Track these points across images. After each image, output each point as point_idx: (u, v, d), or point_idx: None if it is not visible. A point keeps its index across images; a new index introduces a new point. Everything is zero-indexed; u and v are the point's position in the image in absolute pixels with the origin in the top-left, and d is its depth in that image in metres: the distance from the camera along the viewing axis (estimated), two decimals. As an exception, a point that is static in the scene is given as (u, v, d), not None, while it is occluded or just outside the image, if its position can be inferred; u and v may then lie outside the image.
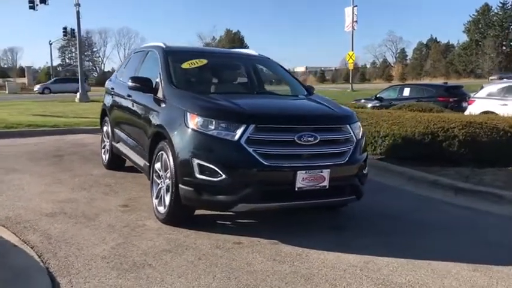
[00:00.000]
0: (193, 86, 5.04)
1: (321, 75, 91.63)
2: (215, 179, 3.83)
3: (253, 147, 3.82)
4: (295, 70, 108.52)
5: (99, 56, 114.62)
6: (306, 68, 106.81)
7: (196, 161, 3.88)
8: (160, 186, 4.39)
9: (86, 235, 4.00)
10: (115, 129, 6.21)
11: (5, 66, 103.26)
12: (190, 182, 3.91)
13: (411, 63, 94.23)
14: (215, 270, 3.35)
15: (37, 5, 31.30)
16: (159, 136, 4.42)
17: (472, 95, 14.48)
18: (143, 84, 4.80)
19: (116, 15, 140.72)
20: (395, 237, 4.27)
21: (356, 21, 40.83)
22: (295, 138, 3.94)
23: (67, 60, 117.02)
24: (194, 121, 3.97)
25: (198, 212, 4.40)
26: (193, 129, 3.95)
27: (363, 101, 17.67)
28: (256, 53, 6.03)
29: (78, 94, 25.57)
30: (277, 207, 4.10)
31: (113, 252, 3.63)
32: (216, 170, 3.82)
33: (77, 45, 28.37)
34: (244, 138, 3.83)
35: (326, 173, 4.01)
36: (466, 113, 11.79)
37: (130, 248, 3.72)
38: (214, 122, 3.92)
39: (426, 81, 60.18)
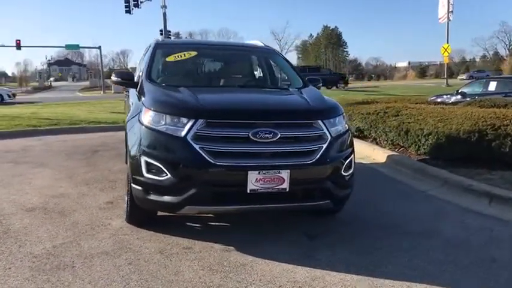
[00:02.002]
0: (172, 79, 4.77)
1: (420, 70, 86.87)
2: (161, 178, 3.55)
3: (200, 144, 3.47)
4: (396, 65, 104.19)
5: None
6: (409, 63, 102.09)
7: (143, 159, 3.62)
8: None
9: (43, 232, 3.93)
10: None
11: (117, 67, 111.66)
12: (140, 181, 3.66)
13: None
14: (133, 278, 3.08)
15: (132, 9, 33.37)
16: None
17: None
18: (124, 79, 4.65)
19: (216, 16, 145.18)
20: (371, 252, 3.67)
21: (452, 12, 37.66)
22: (250, 135, 3.52)
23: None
24: (146, 116, 3.72)
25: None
26: (144, 125, 3.70)
27: (445, 96, 16.18)
28: (261, 45, 5.63)
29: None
30: (228, 210, 3.72)
31: (50, 251, 3.50)
32: (161, 169, 3.54)
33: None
34: (191, 134, 3.50)
35: (285, 174, 3.54)
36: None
37: (70, 248, 3.58)
38: (165, 117, 3.63)
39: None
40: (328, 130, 3.79)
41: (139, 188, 3.66)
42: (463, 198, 5.22)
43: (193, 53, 4.99)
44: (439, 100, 13.96)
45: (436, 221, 4.46)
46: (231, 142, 3.53)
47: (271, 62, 5.49)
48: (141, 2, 31.12)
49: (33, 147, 8.59)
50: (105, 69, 58.65)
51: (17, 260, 3.35)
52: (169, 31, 38.50)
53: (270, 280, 3.12)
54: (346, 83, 40.40)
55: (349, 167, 3.98)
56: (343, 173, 3.89)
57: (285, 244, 3.75)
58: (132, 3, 31.80)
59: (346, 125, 4.11)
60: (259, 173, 3.49)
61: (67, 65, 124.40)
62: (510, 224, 4.37)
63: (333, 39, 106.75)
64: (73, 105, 21.32)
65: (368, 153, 7.91)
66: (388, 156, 7.22)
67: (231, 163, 3.48)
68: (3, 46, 46.29)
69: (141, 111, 3.82)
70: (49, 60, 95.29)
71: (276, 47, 33.12)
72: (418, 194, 5.49)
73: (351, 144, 4.12)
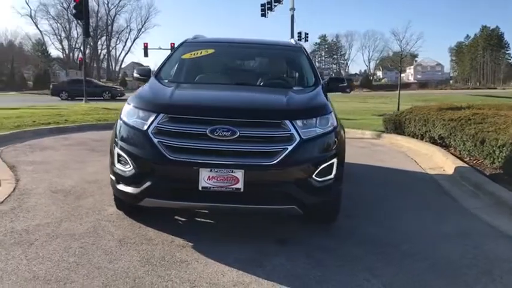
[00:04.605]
0: (180, 76, 4.86)
1: None
2: (126, 169, 3.69)
3: (159, 139, 3.52)
4: None
5: (345, 59, 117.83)
6: None
7: (116, 150, 3.79)
8: None
9: (43, 211, 4.30)
10: None
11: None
12: (113, 171, 3.84)
13: None
14: (68, 260, 3.24)
15: (267, 12, 34.44)
16: None
17: None
18: (141, 75, 4.88)
19: (363, 18, 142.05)
20: (327, 267, 3.35)
21: None
22: (208, 132, 3.47)
23: (317, 64, 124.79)
24: (124, 111, 3.89)
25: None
26: (121, 119, 3.87)
27: None
28: (290, 43, 5.46)
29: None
30: (183, 206, 3.69)
31: (28, 229, 3.83)
32: (127, 160, 3.67)
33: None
34: (152, 128, 3.56)
35: (239, 173, 3.41)
36: None
37: (47, 228, 3.87)
38: (138, 112, 3.75)
39: None
40: (297, 131, 3.54)
41: (113, 177, 3.85)
42: (507, 221, 4.45)
43: (210, 51, 5.04)
44: None
45: (443, 243, 3.88)
46: (189, 138, 3.51)
47: (292, 60, 5.28)
48: (275, 6, 31.94)
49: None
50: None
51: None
52: (300, 32, 38.95)
53: (191, 279, 3.05)
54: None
55: (327, 172, 3.67)
56: (315, 177, 3.60)
57: (247, 247, 3.61)
58: (266, 6, 32.83)
59: (331, 127, 3.78)
60: (211, 170, 3.42)
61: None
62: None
63: (492, 40, 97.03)
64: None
65: (440, 163, 7.15)
66: (457, 168, 6.44)
67: (184, 159, 3.47)
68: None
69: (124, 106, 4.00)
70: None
71: (397, 48, 31.25)
72: (457, 212, 4.82)
73: (336, 148, 3.79)
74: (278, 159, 3.46)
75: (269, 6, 32.57)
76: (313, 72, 4.88)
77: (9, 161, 6.58)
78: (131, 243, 3.63)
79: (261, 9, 34.46)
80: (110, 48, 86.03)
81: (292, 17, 27.32)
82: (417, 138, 9.05)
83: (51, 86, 35.81)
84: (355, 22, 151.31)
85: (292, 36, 28.43)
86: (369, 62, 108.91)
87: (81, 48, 65.67)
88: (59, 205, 4.55)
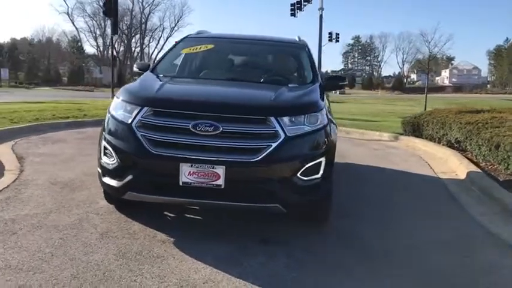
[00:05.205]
0: (175, 71, 4.82)
1: None
2: (110, 162, 3.68)
3: (142, 132, 3.49)
4: None
5: (378, 61, 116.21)
6: None
7: (102, 143, 3.79)
8: None
9: (36, 202, 4.33)
10: None
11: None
12: (99, 163, 3.84)
13: None
14: (45, 251, 3.24)
15: (297, 12, 34.30)
16: None
17: None
18: (140, 69, 4.87)
19: (398, 19, 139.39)
20: (304, 269, 3.25)
21: None
22: (190, 127, 3.41)
23: (349, 65, 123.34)
24: (113, 104, 3.87)
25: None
26: (109, 112, 3.86)
27: None
28: (294, 40, 5.35)
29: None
30: (165, 201, 3.62)
31: (15, 219, 3.86)
32: (111, 153, 3.66)
33: (318, 48, 29.43)
34: (136, 122, 3.53)
35: (220, 170, 3.34)
36: None
37: (34, 218, 3.89)
38: (124, 105, 3.72)
39: None
40: (282, 128, 3.44)
41: (99, 170, 3.84)
42: (510, 229, 4.23)
43: (210, 46, 4.98)
44: None
45: (433, 249, 3.71)
46: (171, 132, 3.46)
47: (291, 57, 5.18)
48: (304, 5, 31.76)
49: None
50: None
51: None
52: (330, 33, 38.57)
53: (161, 275, 2.99)
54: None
55: (313, 171, 3.56)
56: (300, 176, 3.50)
57: (230, 246, 3.54)
58: (296, 6, 32.71)
59: (321, 125, 3.66)
60: (191, 166, 3.36)
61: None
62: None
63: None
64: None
65: (454, 167, 6.90)
66: (469, 173, 6.18)
67: (166, 153, 3.42)
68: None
69: None
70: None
71: (425, 49, 30.47)
72: (459, 218, 4.63)
73: (325, 147, 3.67)
74: (261, 156, 3.37)
75: (298, 5, 32.45)
76: (311, 69, 4.76)
77: (19, 152, 6.70)
78: (112, 237, 3.61)
79: (291, 8, 34.41)
80: (144, 46, 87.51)
81: (321, 16, 27.07)
82: (434, 141, 8.77)
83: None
84: (389, 23, 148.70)
85: (320, 36, 28.23)
86: (403, 64, 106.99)
87: (114, 45, 67.01)
88: (53, 196, 4.58)
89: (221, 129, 3.38)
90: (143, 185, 3.53)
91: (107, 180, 3.73)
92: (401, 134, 10.02)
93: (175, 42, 5.19)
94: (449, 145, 8.14)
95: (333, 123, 4.24)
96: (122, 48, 79.15)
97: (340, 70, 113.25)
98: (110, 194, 3.99)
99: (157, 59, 4.93)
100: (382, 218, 4.47)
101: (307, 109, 3.67)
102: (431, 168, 7.08)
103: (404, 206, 4.99)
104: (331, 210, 4.10)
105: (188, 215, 4.26)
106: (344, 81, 4.78)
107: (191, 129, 3.40)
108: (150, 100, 3.63)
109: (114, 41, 29.45)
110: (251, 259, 3.33)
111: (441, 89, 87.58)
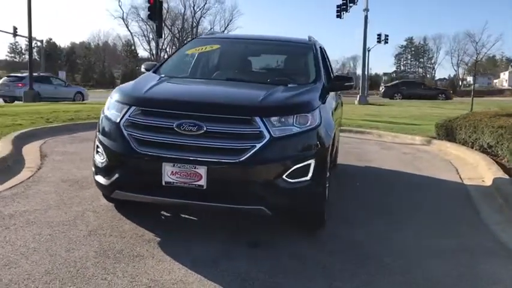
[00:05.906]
0: (176, 71, 4.80)
1: None
2: (101, 160, 3.72)
3: (129, 131, 3.51)
4: None
5: (432, 63, 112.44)
6: None
7: (96, 142, 3.86)
8: None
9: (41, 199, 4.45)
10: None
11: (347, 72, 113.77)
12: (93, 162, 3.90)
13: None
14: (30, 246, 3.31)
15: (343, 13, 33.78)
16: None
17: None
18: (147, 70, 4.93)
19: (454, 20, 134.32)
20: (296, 277, 3.14)
21: None
22: (174, 126, 3.39)
23: (402, 67, 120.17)
24: (106, 104, 3.92)
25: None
26: (103, 111, 3.92)
27: None
28: (302, 40, 5.23)
29: (357, 96, 26.36)
30: (148, 200, 3.61)
31: (15, 214, 3.97)
32: (102, 152, 3.71)
33: (363, 50, 28.75)
34: (124, 121, 3.56)
35: (202, 170, 3.30)
36: None
37: (32, 214, 3.99)
38: (116, 105, 3.77)
39: None
40: (267, 129, 3.36)
41: (93, 169, 3.90)
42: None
43: (216, 47, 4.96)
44: None
45: (433, 259, 3.50)
46: (156, 132, 3.46)
47: (296, 57, 5.06)
48: (350, 7, 31.21)
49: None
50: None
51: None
52: (379, 34, 37.69)
53: (133, 274, 2.98)
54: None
55: (302, 173, 3.45)
56: (286, 178, 3.40)
57: (214, 248, 3.49)
58: (342, 7, 32.21)
59: (311, 126, 3.54)
60: (174, 165, 3.34)
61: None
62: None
63: None
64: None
65: (482, 173, 6.53)
66: (495, 179, 5.82)
67: (149, 152, 3.42)
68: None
69: None
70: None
71: (471, 49, 29.14)
72: (472, 226, 4.38)
73: (316, 149, 3.55)
74: (244, 157, 3.30)
75: (344, 7, 31.92)
76: (315, 69, 4.63)
77: (45, 150, 6.94)
78: (99, 235, 3.64)
79: (337, 10, 33.84)
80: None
81: (366, 17, 26.55)
82: (467, 146, 8.33)
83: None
84: (445, 24, 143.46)
85: (364, 38, 27.68)
86: (458, 67, 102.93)
87: (166, 49, 68.69)
88: (59, 193, 4.69)
89: (205, 129, 3.34)
90: (128, 183, 3.55)
91: (98, 178, 3.77)
92: (435, 138, 9.59)
93: (184, 43, 5.20)
94: (482, 150, 7.70)
95: (333, 123, 4.13)
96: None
97: (392, 72, 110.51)
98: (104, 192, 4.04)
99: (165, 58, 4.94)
100: (385, 225, 4.28)
101: (296, 109, 3.56)
102: (458, 173, 6.73)
103: (415, 212, 4.78)
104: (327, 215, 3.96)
105: (184, 215, 4.24)
106: (351, 81, 4.62)
107: (175, 128, 3.38)
108: (137, 100, 3.65)
109: (163, 45, 30.13)
110: (231, 262, 3.25)
111: (500, 91, 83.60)
